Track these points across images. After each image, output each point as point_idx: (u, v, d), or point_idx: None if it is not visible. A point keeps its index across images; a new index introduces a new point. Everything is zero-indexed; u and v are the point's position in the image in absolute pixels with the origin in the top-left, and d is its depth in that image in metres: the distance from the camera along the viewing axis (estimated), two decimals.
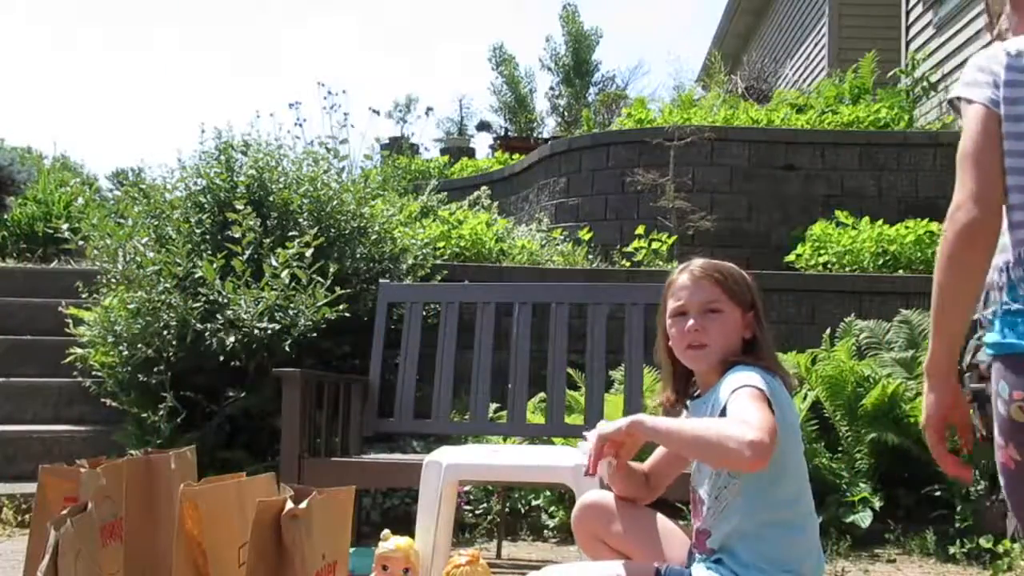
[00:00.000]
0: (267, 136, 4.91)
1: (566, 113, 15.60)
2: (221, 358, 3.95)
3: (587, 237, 6.33)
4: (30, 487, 3.94)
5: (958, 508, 3.73)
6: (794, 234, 6.31)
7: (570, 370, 4.23)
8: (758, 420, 1.67)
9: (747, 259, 6.44)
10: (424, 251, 4.96)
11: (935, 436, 1.59)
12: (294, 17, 42.93)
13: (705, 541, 1.87)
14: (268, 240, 4.20)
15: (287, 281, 4.02)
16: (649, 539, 2.02)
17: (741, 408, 1.71)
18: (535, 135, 14.54)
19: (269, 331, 3.93)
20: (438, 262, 5.10)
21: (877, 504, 3.77)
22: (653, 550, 1.99)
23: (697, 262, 1.99)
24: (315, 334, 4.06)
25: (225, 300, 3.99)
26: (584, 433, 2.01)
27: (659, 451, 2.13)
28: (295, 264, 4.03)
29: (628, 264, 5.98)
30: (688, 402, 2.02)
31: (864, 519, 3.72)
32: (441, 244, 5.53)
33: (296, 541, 1.66)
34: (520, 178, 8.32)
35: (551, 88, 16.72)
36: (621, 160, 6.95)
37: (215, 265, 4.00)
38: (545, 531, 4.05)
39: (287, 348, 3.96)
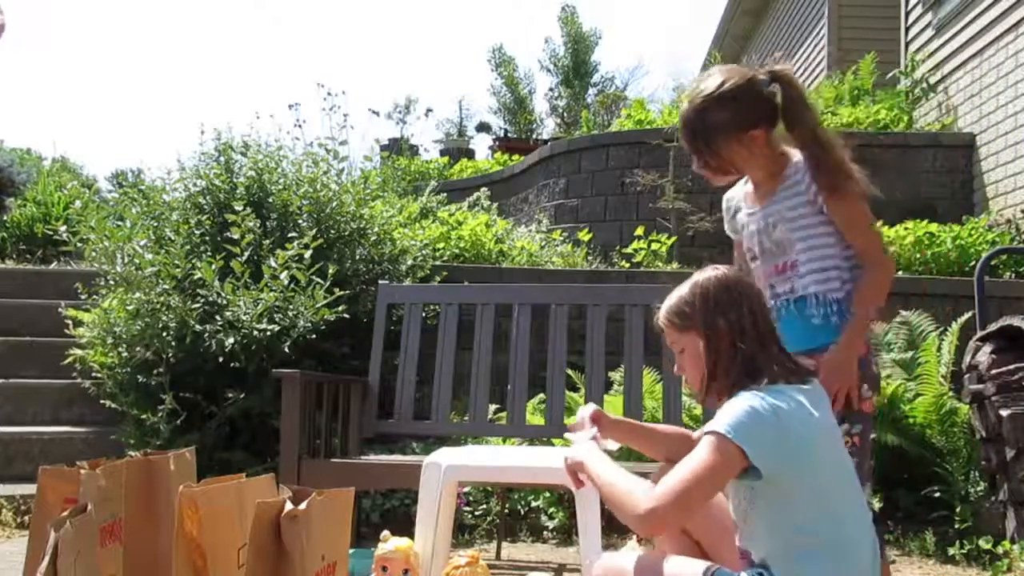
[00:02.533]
0: (267, 137, 4.92)
1: (565, 114, 15.61)
2: (220, 359, 3.95)
3: (586, 238, 6.33)
4: (29, 488, 3.94)
5: (957, 509, 3.73)
6: None
7: (569, 371, 4.23)
8: (674, 485, 1.68)
9: None
10: (423, 252, 4.96)
11: None
12: (294, 17, 42.93)
13: (749, 558, 1.84)
14: (267, 241, 4.20)
15: (286, 282, 4.02)
16: (722, 526, 1.97)
17: (682, 463, 1.72)
18: (534, 136, 14.55)
19: (268, 332, 3.93)
20: (438, 263, 5.10)
21: (876, 505, 3.77)
22: (727, 537, 1.94)
23: (662, 308, 1.96)
24: (315, 335, 4.06)
25: (224, 301, 3.99)
26: (566, 435, 2.11)
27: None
28: (294, 265, 4.03)
29: (627, 265, 5.98)
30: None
31: None
32: (440, 245, 5.53)
33: (295, 542, 1.66)
34: (519, 179, 8.32)
35: (550, 89, 16.76)
36: (620, 161, 6.95)
37: (214, 266, 4.00)
38: (544, 532, 4.05)
39: (286, 349, 3.96)
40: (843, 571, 1.74)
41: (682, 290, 1.93)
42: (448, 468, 2.68)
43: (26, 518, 3.89)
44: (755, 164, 2.29)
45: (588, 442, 2.00)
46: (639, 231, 6.07)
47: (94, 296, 4.57)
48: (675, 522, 1.74)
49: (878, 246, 2.26)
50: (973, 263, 5.12)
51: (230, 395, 4.05)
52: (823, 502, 1.76)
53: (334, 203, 4.63)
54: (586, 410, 2.10)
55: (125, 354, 4.18)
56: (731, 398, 1.79)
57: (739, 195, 2.44)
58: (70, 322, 4.55)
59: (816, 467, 1.76)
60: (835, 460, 1.81)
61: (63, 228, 4.43)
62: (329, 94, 5.12)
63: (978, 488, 3.76)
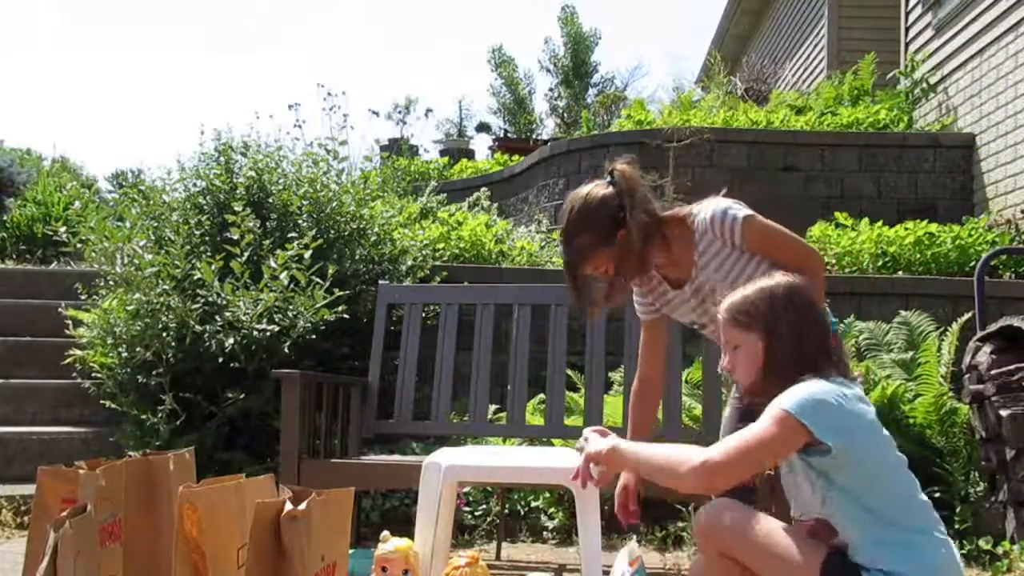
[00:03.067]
0: (266, 137, 4.92)
1: (565, 114, 15.59)
2: (220, 359, 3.95)
3: None
4: (29, 488, 3.94)
5: (957, 510, 3.73)
6: None
7: (569, 371, 4.23)
8: (731, 441, 1.78)
9: None
10: (423, 252, 4.96)
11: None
12: (294, 18, 42.95)
13: (844, 549, 1.83)
14: (267, 241, 4.20)
15: (286, 283, 4.01)
16: (768, 552, 1.92)
17: (742, 431, 1.81)
18: (534, 136, 14.53)
19: (268, 332, 3.93)
20: (437, 263, 5.10)
21: None
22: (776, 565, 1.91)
23: (722, 304, 2.03)
24: (314, 335, 4.06)
25: (224, 302, 3.99)
26: (585, 433, 2.12)
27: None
28: (294, 265, 4.03)
29: None
30: None
31: None
32: (440, 245, 5.52)
33: (295, 542, 1.66)
34: (519, 179, 8.32)
35: (550, 89, 16.73)
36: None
37: (214, 267, 4.00)
38: (544, 532, 4.05)
39: (286, 349, 3.96)
40: (927, 558, 1.77)
41: (747, 290, 1.99)
42: (448, 468, 2.67)
43: (26, 518, 3.89)
44: (648, 255, 2.33)
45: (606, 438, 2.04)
46: None
47: (94, 296, 4.57)
48: (728, 476, 1.78)
49: (802, 252, 2.32)
50: (973, 263, 5.12)
51: (230, 395, 4.05)
52: (895, 489, 1.83)
53: (334, 203, 4.63)
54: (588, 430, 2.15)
55: (125, 354, 4.18)
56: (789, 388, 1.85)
57: (655, 281, 2.49)
58: (70, 322, 4.55)
59: (882, 453, 1.85)
60: (895, 449, 1.89)
61: (63, 228, 4.43)
62: (329, 94, 5.13)
63: (978, 488, 3.76)
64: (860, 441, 1.81)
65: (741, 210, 2.29)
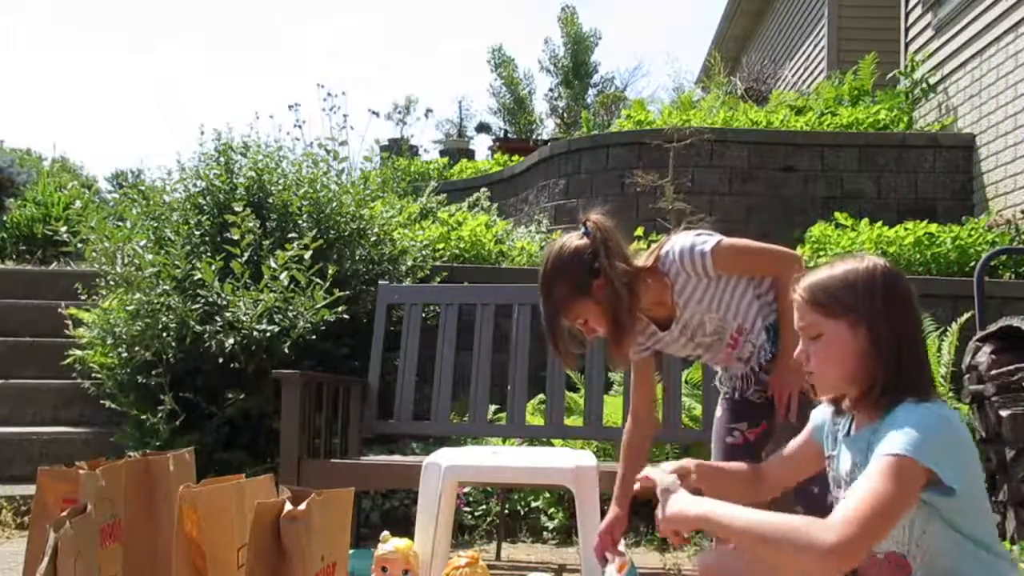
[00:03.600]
0: (266, 138, 4.92)
1: (565, 115, 15.60)
2: (220, 360, 3.95)
3: None
4: (29, 489, 3.94)
5: None
6: (793, 236, 6.31)
7: (569, 371, 4.23)
8: (857, 512, 1.44)
9: None
10: (423, 253, 4.96)
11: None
12: (294, 18, 42.94)
13: None
14: (267, 242, 4.20)
15: (286, 283, 4.01)
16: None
17: (859, 490, 1.48)
18: (534, 137, 14.54)
19: (268, 333, 3.93)
20: (437, 264, 5.10)
21: None
22: None
23: (804, 279, 1.70)
24: (314, 336, 4.06)
25: (224, 302, 3.99)
26: (665, 482, 1.77)
27: (789, 448, 1.93)
28: (294, 266, 4.03)
29: None
30: (843, 439, 1.74)
31: None
32: (440, 246, 5.52)
33: (295, 543, 1.66)
34: (519, 180, 8.32)
35: (550, 90, 16.74)
36: (620, 162, 6.96)
37: (214, 267, 4.00)
38: (544, 532, 4.05)
39: (286, 350, 3.95)
40: None
41: (845, 270, 1.64)
42: (448, 468, 2.68)
43: (26, 519, 3.89)
44: (632, 304, 2.31)
45: (679, 493, 1.71)
46: (639, 231, 6.06)
47: (94, 296, 4.57)
48: (862, 555, 1.47)
49: (777, 258, 2.35)
50: (973, 263, 5.12)
51: (230, 395, 4.05)
52: (987, 513, 1.63)
53: (334, 204, 4.63)
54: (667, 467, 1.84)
55: (125, 354, 4.18)
56: (889, 412, 1.57)
57: (643, 323, 2.47)
58: (70, 322, 4.55)
59: (979, 479, 1.60)
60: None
61: (63, 228, 4.43)
62: (329, 95, 5.13)
63: None
64: (974, 471, 1.57)
65: (707, 241, 2.31)
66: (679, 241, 2.36)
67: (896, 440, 1.49)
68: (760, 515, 1.54)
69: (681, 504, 1.67)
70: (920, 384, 1.58)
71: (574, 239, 2.34)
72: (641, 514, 3.99)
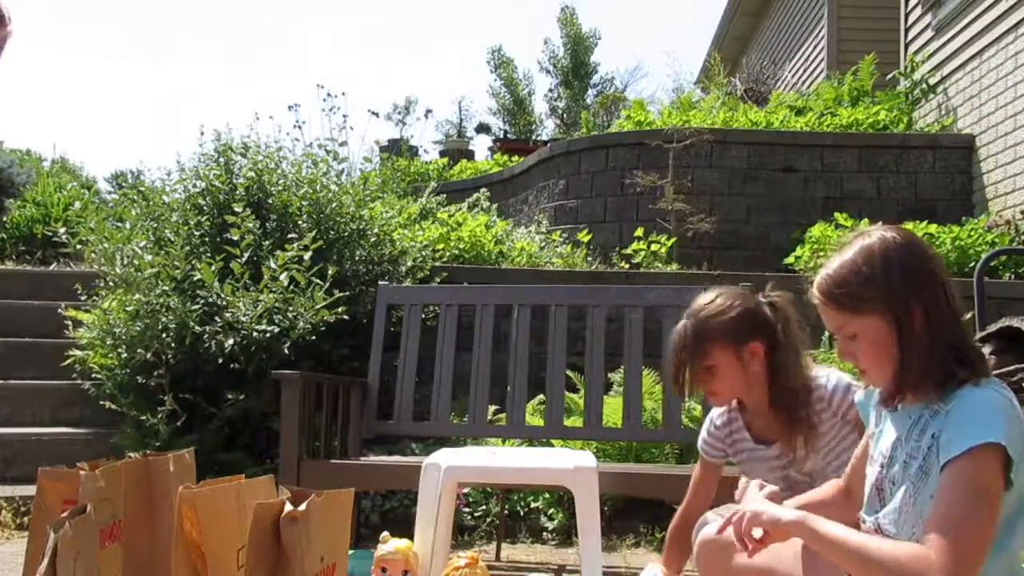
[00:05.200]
0: (266, 138, 4.92)
1: (565, 115, 15.62)
2: (220, 360, 3.95)
3: (586, 239, 6.33)
4: (29, 489, 3.94)
5: None
6: (793, 236, 6.32)
7: (569, 372, 4.23)
8: (956, 533, 1.33)
9: (746, 261, 6.45)
10: (423, 253, 4.96)
11: None
12: (294, 19, 42.95)
13: None
14: (267, 242, 4.20)
15: (286, 283, 4.01)
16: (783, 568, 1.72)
17: (954, 505, 1.36)
18: (534, 137, 14.56)
19: (268, 333, 3.93)
20: (437, 264, 5.10)
21: None
22: None
23: (816, 279, 1.61)
24: (314, 336, 4.06)
25: (224, 302, 3.99)
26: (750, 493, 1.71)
27: (854, 459, 1.83)
28: (294, 266, 4.03)
29: (627, 266, 5.98)
30: (885, 410, 1.63)
31: None
32: (440, 246, 5.53)
33: (295, 543, 1.65)
34: (519, 180, 8.33)
35: (550, 90, 16.78)
36: (620, 162, 6.96)
37: (214, 267, 4.00)
38: (544, 533, 4.05)
39: (286, 350, 3.95)
40: None
41: (854, 259, 1.55)
42: (448, 469, 2.67)
43: (25, 519, 3.89)
44: (754, 385, 2.20)
45: (768, 493, 1.62)
46: (639, 232, 6.07)
47: (93, 297, 4.57)
48: None
49: None
50: (972, 264, 5.12)
51: (230, 396, 4.05)
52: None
53: (334, 204, 4.63)
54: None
55: (125, 355, 4.18)
56: (942, 398, 1.48)
57: (736, 425, 2.37)
58: (70, 323, 4.55)
59: None
60: None
61: (63, 229, 4.43)
62: (329, 95, 5.13)
63: None
64: None
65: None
66: (837, 374, 2.23)
67: (976, 429, 1.39)
68: (860, 535, 1.45)
69: (772, 505, 1.57)
70: (967, 354, 1.48)
71: (761, 300, 2.25)
72: (641, 515, 3.99)
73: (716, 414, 2.41)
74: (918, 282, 1.50)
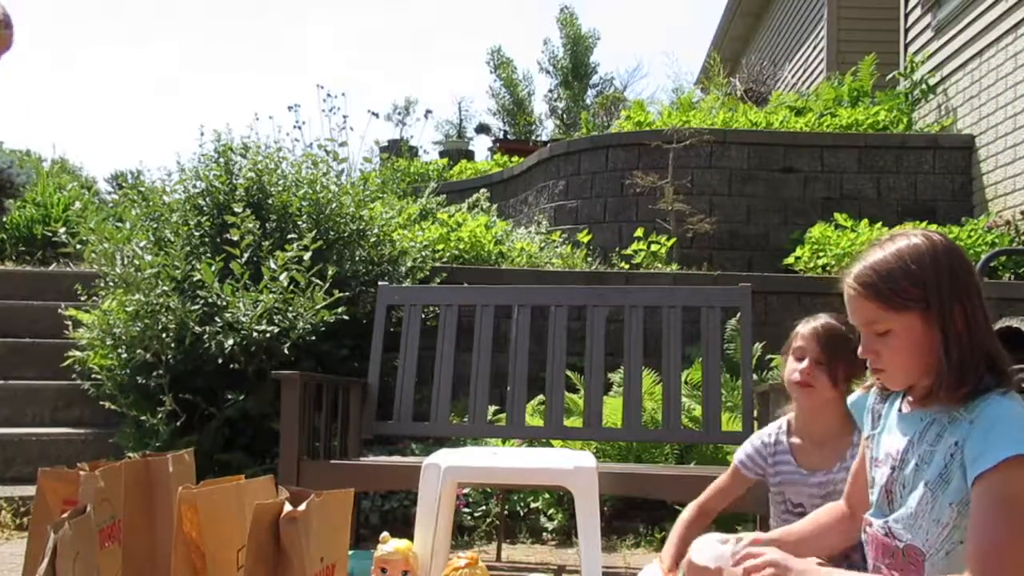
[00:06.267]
0: (266, 139, 4.93)
1: (565, 116, 15.62)
2: (220, 361, 3.95)
3: (586, 239, 6.33)
4: (29, 490, 3.94)
5: None
6: (793, 236, 6.32)
7: (569, 372, 4.23)
8: (994, 560, 1.30)
9: (746, 261, 6.45)
10: (423, 253, 4.96)
11: None
12: (294, 19, 42.94)
13: None
14: (267, 243, 4.20)
15: (286, 284, 4.02)
16: None
17: (991, 533, 1.31)
18: (534, 138, 14.55)
19: (268, 334, 3.93)
20: (437, 264, 5.10)
21: None
22: None
23: (856, 269, 1.52)
24: (314, 337, 4.06)
25: (224, 303, 3.99)
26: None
27: (851, 477, 1.81)
28: (294, 267, 4.03)
29: (627, 267, 5.98)
30: (894, 410, 1.60)
31: None
32: (440, 246, 5.53)
33: (294, 544, 1.65)
34: (519, 181, 8.33)
35: (550, 91, 16.75)
36: (620, 162, 6.96)
37: (214, 268, 4.00)
38: (544, 533, 4.05)
39: (286, 350, 3.96)
40: None
41: (901, 254, 1.48)
42: (447, 469, 2.67)
43: (25, 520, 3.89)
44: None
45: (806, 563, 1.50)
46: (638, 232, 6.07)
47: (93, 298, 4.57)
48: None
49: None
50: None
51: (229, 396, 4.05)
52: None
53: (333, 204, 4.64)
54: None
55: (124, 355, 4.18)
56: (964, 404, 1.44)
57: (782, 447, 2.33)
58: (69, 323, 4.55)
59: None
60: None
61: (62, 230, 4.43)
62: (328, 95, 5.13)
63: None
64: None
65: None
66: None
67: (1004, 441, 1.35)
68: None
69: (794, 560, 1.48)
70: (997, 363, 1.44)
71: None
72: (641, 515, 3.99)
73: (767, 432, 2.39)
74: (962, 286, 1.46)
